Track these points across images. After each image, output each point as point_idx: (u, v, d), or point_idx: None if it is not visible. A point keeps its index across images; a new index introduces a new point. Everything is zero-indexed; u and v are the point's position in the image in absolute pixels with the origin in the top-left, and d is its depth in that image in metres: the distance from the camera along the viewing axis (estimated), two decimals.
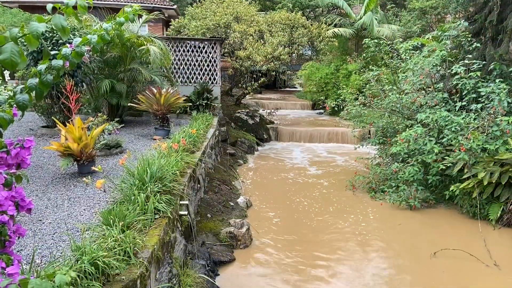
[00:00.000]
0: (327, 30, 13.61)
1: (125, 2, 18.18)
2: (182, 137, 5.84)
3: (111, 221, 2.85)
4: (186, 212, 4.02)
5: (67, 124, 4.82)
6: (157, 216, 3.37)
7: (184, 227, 4.12)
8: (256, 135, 13.05)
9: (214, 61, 10.98)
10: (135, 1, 18.96)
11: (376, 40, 8.56)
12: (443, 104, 7.00)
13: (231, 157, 9.94)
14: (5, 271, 1.06)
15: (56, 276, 1.11)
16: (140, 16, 9.94)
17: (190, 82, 10.97)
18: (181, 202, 4.07)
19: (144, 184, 3.69)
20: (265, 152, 11.95)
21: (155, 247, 2.86)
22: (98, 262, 2.27)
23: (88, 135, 4.71)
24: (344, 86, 13.40)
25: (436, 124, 6.56)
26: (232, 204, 6.27)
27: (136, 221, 3.09)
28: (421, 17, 14.90)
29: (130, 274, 2.38)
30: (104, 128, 5.38)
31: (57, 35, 6.51)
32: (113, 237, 2.62)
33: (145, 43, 8.08)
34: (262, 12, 17.19)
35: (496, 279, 4.46)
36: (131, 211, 3.15)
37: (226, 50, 12.93)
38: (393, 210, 6.61)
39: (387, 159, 7.84)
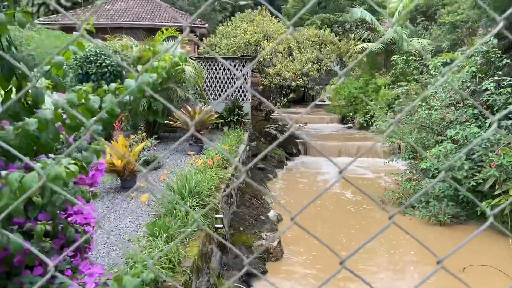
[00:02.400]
0: (356, 45, 13.77)
1: (159, 22, 18.96)
2: (216, 153, 6.14)
3: (157, 232, 3.12)
4: (221, 225, 4.27)
5: (111, 141, 5.21)
6: (196, 229, 3.63)
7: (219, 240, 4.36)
8: (285, 150, 13.24)
9: (245, 78, 11.34)
10: (168, 21, 19.73)
11: (404, 57, 8.66)
12: (473, 120, 7.01)
13: (261, 172, 10.17)
14: (91, 272, 1.32)
15: (140, 274, 1.36)
16: (175, 37, 10.46)
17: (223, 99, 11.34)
18: (216, 215, 4.33)
19: (183, 198, 3.98)
20: (295, 166, 12.12)
21: (195, 257, 3.11)
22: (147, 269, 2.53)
23: (130, 152, 5.07)
24: (373, 100, 13.46)
25: (466, 140, 6.58)
26: (263, 218, 6.48)
27: (177, 233, 3.35)
28: (452, 31, 14.81)
29: (176, 281, 2.63)
30: (144, 146, 5.75)
31: (101, 58, 7.00)
32: (159, 247, 2.89)
33: (180, 63, 8.50)
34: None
35: None
36: (173, 223, 3.43)
37: (255, 66, 13.30)
38: (422, 226, 6.63)
39: (417, 175, 7.87)
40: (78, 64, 6.93)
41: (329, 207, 7.70)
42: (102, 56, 6.86)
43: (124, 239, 3.38)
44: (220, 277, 4.00)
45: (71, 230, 1.31)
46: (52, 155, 1.37)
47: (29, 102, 1.32)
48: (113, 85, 1.38)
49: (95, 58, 6.90)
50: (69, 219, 1.44)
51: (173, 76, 8.67)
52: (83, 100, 1.28)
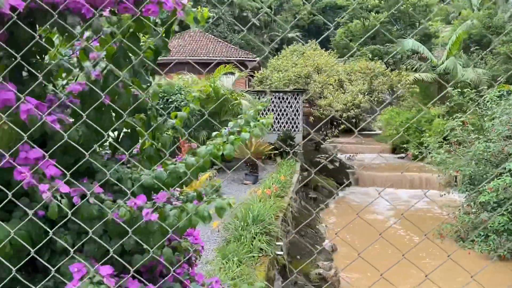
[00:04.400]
0: (408, 76, 13.82)
1: (213, 56, 20.01)
2: (273, 184, 6.47)
3: (229, 255, 3.45)
4: (282, 252, 4.53)
5: None
6: (260, 254, 3.93)
7: (280, 266, 4.61)
8: (336, 180, 13.31)
9: (297, 110, 11.71)
10: (222, 55, 20.75)
11: (459, 89, 8.67)
12: None
13: (314, 202, 10.34)
14: (206, 281, 1.66)
15: (255, 284, 1.67)
16: (232, 73, 11.13)
17: (274, 130, 11.77)
18: (277, 243, 4.61)
19: (247, 225, 4.30)
20: (346, 197, 12.15)
21: (264, 280, 3.39)
22: None
23: (197, 181, 5.51)
24: (426, 131, 13.31)
25: None
26: (318, 247, 6.65)
27: (245, 258, 3.67)
28: (507, 61, 14.48)
29: None
30: (209, 175, 6.20)
31: (167, 95, 7.68)
32: (232, 270, 3.21)
33: (237, 97, 9.06)
34: (340, 59, 17.89)
35: None
36: (241, 249, 3.75)
37: (306, 98, 13.68)
38: (481, 260, 6.49)
39: (476, 208, 7.72)
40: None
41: (383, 238, 7.70)
42: (170, 93, 7.52)
43: (202, 261, 3.73)
44: None
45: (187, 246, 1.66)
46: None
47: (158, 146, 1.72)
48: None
49: (162, 94, 7.57)
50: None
51: (230, 109, 9.22)
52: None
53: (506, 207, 6.59)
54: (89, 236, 1.31)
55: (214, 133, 1.85)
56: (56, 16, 1.23)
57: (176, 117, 1.76)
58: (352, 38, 26.86)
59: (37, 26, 1.36)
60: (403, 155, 17.03)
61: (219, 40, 21.54)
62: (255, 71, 17.80)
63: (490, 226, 6.74)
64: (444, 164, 8.75)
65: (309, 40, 19.98)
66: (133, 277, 1.36)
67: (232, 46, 21.57)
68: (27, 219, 1.25)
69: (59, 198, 1.21)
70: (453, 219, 8.24)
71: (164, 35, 1.45)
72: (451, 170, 8.64)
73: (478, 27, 16.48)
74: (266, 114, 11.71)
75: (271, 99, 11.76)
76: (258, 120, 1.74)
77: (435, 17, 24.90)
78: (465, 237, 7.33)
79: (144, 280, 1.38)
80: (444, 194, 8.61)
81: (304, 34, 35.56)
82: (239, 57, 20.96)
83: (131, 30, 1.41)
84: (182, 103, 7.84)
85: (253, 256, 3.75)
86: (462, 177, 8.56)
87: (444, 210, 9.31)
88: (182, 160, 1.59)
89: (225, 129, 1.90)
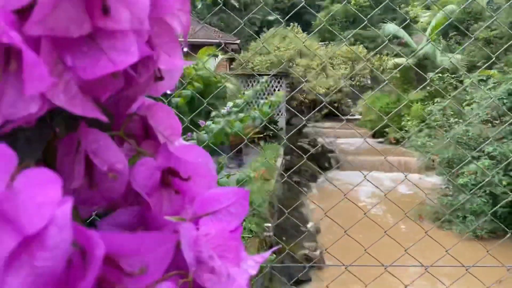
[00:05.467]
0: (388, 61, 13.98)
1: (193, 39, 19.66)
2: (259, 167, 6.50)
3: None
4: (271, 233, 4.59)
5: None
6: (250, 235, 3.97)
7: (268, 246, 4.68)
8: (317, 164, 13.46)
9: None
10: (202, 37, 20.40)
11: (439, 74, 8.84)
12: (511, 137, 7.11)
13: (297, 185, 10.46)
14: None
15: None
16: (216, 55, 10.99)
17: (257, 113, 11.75)
18: (265, 224, 4.66)
19: None
20: (328, 180, 12.32)
21: None
22: None
23: None
24: (406, 115, 13.56)
25: (504, 157, 6.69)
26: (303, 229, 6.76)
27: None
28: (486, 46, 14.80)
29: None
30: None
31: None
32: None
33: (221, 80, 8.98)
34: (322, 43, 17.88)
35: None
36: None
37: (289, 82, 13.68)
38: (459, 240, 6.74)
39: (454, 190, 7.97)
40: None
41: (364, 220, 7.88)
42: None
43: None
44: (271, 281, 4.31)
45: None
46: None
47: None
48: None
49: None
50: None
51: (213, 92, 9.11)
52: None
53: (484, 189, 6.83)
54: None
55: (213, 113, 1.84)
56: None
57: (179, 96, 1.74)
58: (333, 22, 26.87)
59: None
60: (382, 139, 17.32)
61: (199, 21, 21.17)
62: (236, 54, 17.64)
63: (469, 207, 6.99)
64: (424, 147, 8.97)
65: (291, 24, 19.86)
66: None
67: (212, 28, 21.27)
68: None
69: None
70: (432, 202, 8.49)
71: None
72: (431, 153, 8.88)
73: (457, 12, 16.71)
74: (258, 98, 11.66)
75: (253, 82, 11.73)
76: (267, 98, 1.74)
77: (414, 1, 25.11)
78: (444, 218, 7.57)
79: None
80: (423, 177, 8.85)
81: (284, 17, 35.33)
82: (220, 39, 20.73)
83: None
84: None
85: (243, 237, 3.79)
86: (441, 160, 8.80)
87: (423, 193, 9.56)
88: (192, 137, 1.58)
89: (224, 109, 1.89)
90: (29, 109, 0.26)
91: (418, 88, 10.09)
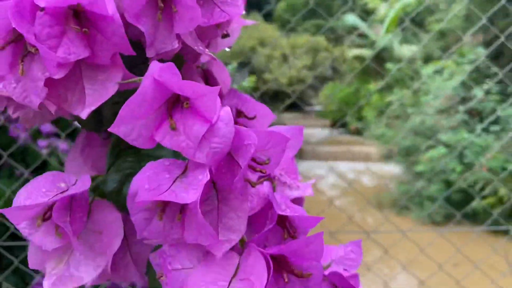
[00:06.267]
0: (348, 52, 14.18)
1: None
2: None
3: None
4: None
5: None
6: None
7: None
8: None
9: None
10: None
11: (398, 64, 9.06)
12: (464, 126, 7.40)
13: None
14: None
15: None
16: None
17: None
18: None
19: None
20: None
21: None
22: None
23: None
24: (365, 106, 13.85)
25: (458, 145, 6.97)
26: None
27: None
28: (440, 38, 15.31)
29: None
30: None
31: None
32: None
33: None
34: (284, 34, 17.88)
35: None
36: None
37: (251, 72, 13.60)
38: (417, 226, 6.98)
39: (411, 178, 8.24)
40: None
41: (325, 209, 7.99)
42: None
43: None
44: None
45: None
46: None
47: None
48: None
49: None
50: None
51: None
52: None
53: (439, 176, 7.09)
54: None
55: None
56: None
57: None
58: (294, 12, 26.95)
59: None
60: (343, 129, 17.64)
61: None
62: None
63: (425, 194, 7.24)
64: (383, 137, 9.20)
65: (251, 13, 19.69)
66: None
67: None
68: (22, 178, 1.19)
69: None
70: (391, 189, 8.75)
71: None
72: (389, 143, 9.12)
73: (413, 4, 17.18)
74: None
75: None
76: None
77: None
78: (402, 205, 7.82)
79: None
80: (383, 166, 9.09)
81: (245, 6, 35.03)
82: None
83: None
84: None
85: None
86: (399, 149, 9.06)
87: (383, 181, 9.84)
88: None
89: None
90: (174, 45, 0.36)
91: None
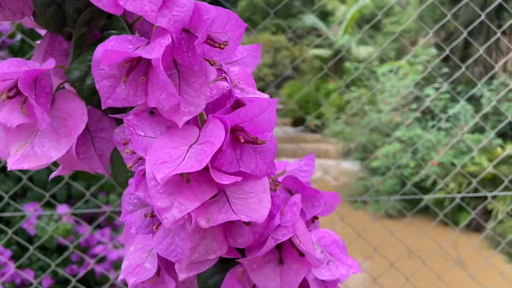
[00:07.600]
0: (308, 51, 14.43)
1: None
2: None
3: None
4: None
5: None
6: None
7: None
8: None
9: None
10: None
11: (356, 64, 9.33)
12: (417, 123, 7.74)
13: None
14: None
15: None
16: None
17: None
18: None
19: None
20: None
21: None
22: None
23: None
24: (324, 104, 14.15)
25: (411, 141, 7.27)
26: None
27: None
28: (395, 40, 15.88)
29: None
30: None
31: None
32: None
33: None
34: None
35: (461, 273, 5.08)
36: None
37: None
38: (373, 219, 7.22)
39: (368, 173, 8.51)
40: None
41: None
42: None
43: None
44: None
45: None
46: None
47: None
48: None
49: None
50: None
51: None
52: None
53: (394, 171, 7.37)
54: None
55: None
56: None
57: None
58: (254, 11, 27.03)
59: None
60: (302, 127, 17.91)
61: None
62: None
63: (380, 188, 7.50)
64: (341, 134, 9.44)
65: None
66: None
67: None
68: None
69: None
70: (348, 185, 8.99)
71: None
72: (348, 140, 9.38)
73: (370, 7, 17.73)
74: None
75: None
76: None
77: None
78: (359, 200, 8.06)
79: None
80: (341, 163, 9.33)
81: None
82: None
83: None
84: None
85: None
86: (357, 146, 9.34)
87: (340, 177, 10.09)
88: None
89: None
90: None
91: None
